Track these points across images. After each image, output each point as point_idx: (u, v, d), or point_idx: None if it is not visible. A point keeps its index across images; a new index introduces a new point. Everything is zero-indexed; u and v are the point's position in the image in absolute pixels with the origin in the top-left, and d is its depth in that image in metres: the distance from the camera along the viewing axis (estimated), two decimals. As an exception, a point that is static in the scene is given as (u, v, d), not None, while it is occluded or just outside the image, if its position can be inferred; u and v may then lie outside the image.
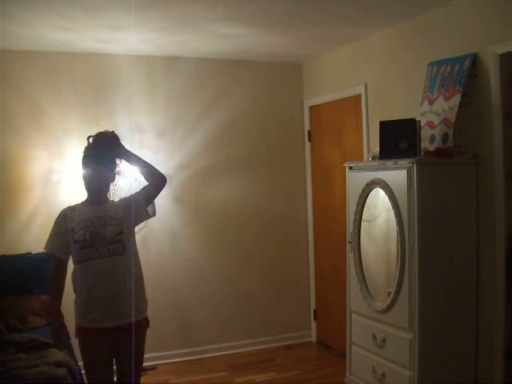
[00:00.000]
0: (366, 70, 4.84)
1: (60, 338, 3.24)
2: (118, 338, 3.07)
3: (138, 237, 5.07)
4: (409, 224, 3.47)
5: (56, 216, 3.20)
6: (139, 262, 3.23)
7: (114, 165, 3.22)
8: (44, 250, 3.23)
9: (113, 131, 3.25)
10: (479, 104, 3.59)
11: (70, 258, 3.19)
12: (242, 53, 5.30)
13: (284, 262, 5.79)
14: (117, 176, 3.33)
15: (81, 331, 3.10)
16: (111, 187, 3.29)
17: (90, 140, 3.18)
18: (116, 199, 3.34)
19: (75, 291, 3.16)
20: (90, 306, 3.06)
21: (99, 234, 3.05)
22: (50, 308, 3.19)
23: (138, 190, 3.32)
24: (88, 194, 3.19)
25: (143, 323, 3.20)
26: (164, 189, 5.21)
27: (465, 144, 3.63)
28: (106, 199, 3.23)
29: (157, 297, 5.17)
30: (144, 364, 5.01)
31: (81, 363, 3.24)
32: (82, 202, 3.23)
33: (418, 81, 4.05)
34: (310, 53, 5.45)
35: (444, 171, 3.57)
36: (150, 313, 5.07)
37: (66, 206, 3.23)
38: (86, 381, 3.10)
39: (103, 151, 3.12)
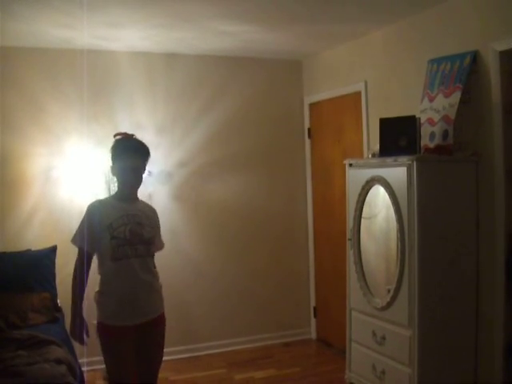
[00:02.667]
0: (366, 68, 4.84)
1: (80, 335, 3.09)
2: (141, 334, 3.06)
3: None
4: (409, 221, 3.47)
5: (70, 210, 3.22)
6: None
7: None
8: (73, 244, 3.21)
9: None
10: (479, 101, 3.59)
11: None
12: (242, 50, 5.29)
13: (284, 259, 5.79)
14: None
15: (107, 329, 3.05)
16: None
17: (119, 138, 3.16)
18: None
19: (100, 287, 3.08)
20: (122, 304, 3.01)
21: (137, 232, 3.05)
22: (73, 304, 3.06)
23: (158, 223, 3.34)
24: (122, 190, 3.15)
25: (163, 318, 3.23)
26: (163, 186, 5.26)
27: (465, 141, 3.63)
28: (137, 197, 3.22)
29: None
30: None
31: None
32: (112, 197, 3.22)
33: (418, 78, 4.04)
34: (310, 50, 5.44)
35: (444, 168, 3.57)
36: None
37: (94, 200, 3.22)
38: (120, 379, 3.04)
39: (143, 150, 3.14)
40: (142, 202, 3.25)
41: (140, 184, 3.16)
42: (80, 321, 3.04)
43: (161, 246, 3.40)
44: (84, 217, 3.11)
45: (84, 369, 4.13)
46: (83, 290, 3.09)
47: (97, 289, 3.08)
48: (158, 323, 3.16)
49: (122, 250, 3.00)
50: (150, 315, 3.08)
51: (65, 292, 4.69)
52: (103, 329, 3.06)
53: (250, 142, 5.61)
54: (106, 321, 3.04)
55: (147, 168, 3.23)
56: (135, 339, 3.04)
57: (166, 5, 3.81)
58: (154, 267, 3.23)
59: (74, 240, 3.15)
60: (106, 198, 3.25)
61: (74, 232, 5.06)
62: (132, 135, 3.19)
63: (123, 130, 4.97)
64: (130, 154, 3.07)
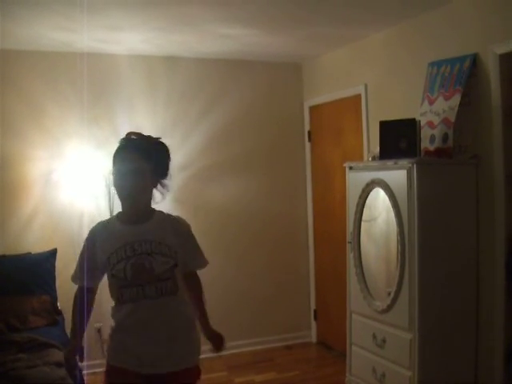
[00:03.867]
0: (366, 70, 4.84)
1: (72, 365, 2.56)
2: None
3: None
4: (409, 224, 3.47)
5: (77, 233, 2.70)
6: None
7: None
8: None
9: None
10: (479, 104, 3.59)
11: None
12: (242, 53, 5.30)
13: (284, 261, 5.79)
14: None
15: (112, 370, 2.47)
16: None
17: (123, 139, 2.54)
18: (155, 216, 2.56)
19: (113, 325, 2.53)
20: (122, 348, 2.44)
21: (143, 268, 2.34)
22: (71, 334, 2.57)
23: (190, 238, 2.61)
24: (123, 206, 2.48)
25: (195, 372, 2.54)
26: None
27: (465, 144, 3.63)
28: (149, 212, 2.53)
29: (157, 297, 5.18)
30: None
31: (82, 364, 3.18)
32: (116, 218, 2.51)
33: (418, 81, 4.04)
34: (310, 53, 5.45)
35: (444, 171, 3.57)
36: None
37: (96, 223, 2.56)
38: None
39: (145, 148, 2.47)
40: (159, 217, 2.53)
41: (143, 193, 2.46)
42: (74, 353, 2.52)
43: (199, 265, 2.64)
44: (83, 247, 2.54)
45: (84, 372, 4.13)
46: (83, 327, 2.60)
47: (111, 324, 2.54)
48: (189, 376, 2.49)
49: (125, 293, 2.39)
50: (160, 368, 2.40)
51: (65, 295, 4.71)
52: (110, 370, 2.49)
53: (249, 145, 5.61)
54: (111, 361, 2.48)
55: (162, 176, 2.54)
56: None
57: (167, 8, 3.82)
58: (186, 303, 2.55)
59: (74, 278, 2.62)
60: (110, 220, 2.55)
61: (73, 236, 5.07)
62: (139, 133, 2.54)
63: (123, 133, 4.98)
64: (123, 155, 2.42)
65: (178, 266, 2.44)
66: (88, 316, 2.59)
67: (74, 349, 2.52)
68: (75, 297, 2.62)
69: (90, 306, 2.62)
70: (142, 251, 2.37)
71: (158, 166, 2.46)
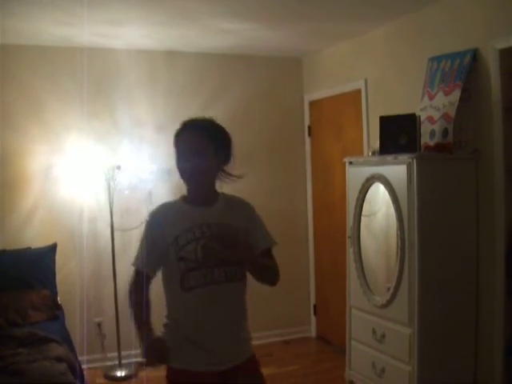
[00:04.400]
0: (366, 65, 4.84)
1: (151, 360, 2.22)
2: (231, 381, 2.31)
3: (137, 232, 5.13)
4: (409, 219, 3.47)
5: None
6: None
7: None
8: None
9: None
10: (479, 99, 3.59)
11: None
12: (243, 47, 5.29)
13: (284, 256, 5.71)
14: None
15: (178, 374, 2.30)
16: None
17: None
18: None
19: (166, 319, 2.44)
20: (192, 346, 2.28)
21: (214, 250, 2.20)
22: (137, 330, 2.35)
23: (256, 220, 2.50)
24: (188, 188, 2.40)
25: (257, 360, 2.43)
26: (163, 184, 5.26)
27: (465, 139, 3.63)
28: (216, 195, 2.44)
29: (156, 292, 5.18)
30: (142, 358, 5.07)
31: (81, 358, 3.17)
32: (182, 200, 2.41)
33: (418, 76, 4.04)
34: (311, 48, 5.44)
35: (444, 166, 3.57)
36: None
37: (159, 204, 2.42)
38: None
39: (207, 129, 2.44)
40: (225, 199, 2.44)
41: (206, 175, 2.34)
42: (149, 345, 2.23)
43: (268, 243, 2.46)
44: (144, 230, 2.37)
45: (84, 366, 4.14)
46: (147, 315, 2.43)
47: (164, 320, 2.44)
48: (247, 369, 2.35)
49: (193, 277, 2.24)
50: (233, 361, 2.30)
51: (65, 290, 4.73)
52: (172, 372, 2.33)
53: (249, 140, 5.60)
54: (174, 363, 2.28)
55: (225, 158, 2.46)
56: None
57: (167, 2, 3.81)
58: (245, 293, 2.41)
59: (135, 262, 2.41)
60: (174, 201, 2.43)
61: (73, 231, 5.07)
62: (202, 117, 2.53)
63: (122, 127, 4.96)
64: (186, 135, 2.39)
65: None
66: (150, 306, 2.43)
67: (153, 341, 2.25)
68: (133, 284, 2.45)
69: (146, 298, 2.43)
70: (212, 234, 2.25)
71: (220, 149, 2.40)
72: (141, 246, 2.37)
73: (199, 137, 2.34)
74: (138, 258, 2.38)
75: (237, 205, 2.46)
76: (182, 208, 2.36)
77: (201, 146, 2.31)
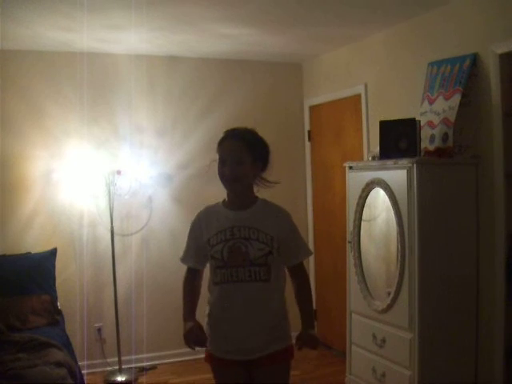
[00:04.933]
0: (366, 70, 4.84)
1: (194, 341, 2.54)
2: (254, 373, 2.55)
3: (137, 237, 5.14)
4: (409, 224, 3.47)
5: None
6: (284, 287, 2.63)
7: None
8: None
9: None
10: (479, 104, 3.59)
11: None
12: (242, 53, 5.30)
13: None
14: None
15: (210, 358, 2.62)
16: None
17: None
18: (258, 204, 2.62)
19: (207, 310, 2.63)
20: (219, 336, 2.55)
21: (240, 251, 2.45)
22: (183, 320, 2.58)
23: (292, 231, 2.64)
24: (227, 193, 2.64)
25: (283, 354, 2.59)
26: (163, 189, 5.26)
27: (465, 144, 3.63)
28: (254, 200, 2.62)
29: (157, 297, 5.18)
30: (144, 364, 5.07)
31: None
32: (222, 203, 2.65)
33: (418, 81, 4.05)
34: (310, 52, 5.45)
35: (444, 171, 3.57)
36: (150, 314, 5.12)
37: (204, 208, 2.71)
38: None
39: (246, 137, 2.64)
40: (263, 206, 2.60)
41: (243, 181, 2.54)
42: (196, 329, 2.52)
43: (300, 256, 2.65)
44: (189, 230, 2.71)
45: (84, 371, 4.13)
46: (193, 306, 2.63)
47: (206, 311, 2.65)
48: (269, 363, 2.53)
49: (220, 273, 2.49)
50: (255, 354, 2.51)
51: (65, 295, 4.72)
52: (209, 358, 2.63)
53: (250, 145, 5.61)
54: (211, 350, 2.60)
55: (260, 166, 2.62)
56: (247, 376, 2.55)
57: (167, 7, 3.81)
58: (279, 294, 2.60)
59: (183, 259, 2.70)
60: (215, 204, 2.68)
61: (74, 235, 5.09)
62: (244, 127, 2.73)
63: (122, 132, 4.98)
64: (228, 143, 2.61)
65: (272, 254, 2.49)
66: (197, 297, 2.66)
67: (196, 325, 2.53)
68: (184, 279, 2.70)
69: (199, 286, 2.69)
70: (241, 236, 2.47)
71: (258, 158, 2.59)
72: (187, 244, 2.69)
73: (239, 145, 2.56)
74: (184, 254, 2.69)
75: (273, 212, 2.61)
76: (219, 211, 2.60)
77: (240, 154, 2.53)
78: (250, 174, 2.56)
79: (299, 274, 2.66)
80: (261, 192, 2.70)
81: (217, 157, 2.63)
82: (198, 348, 2.53)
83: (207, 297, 2.62)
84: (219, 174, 2.59)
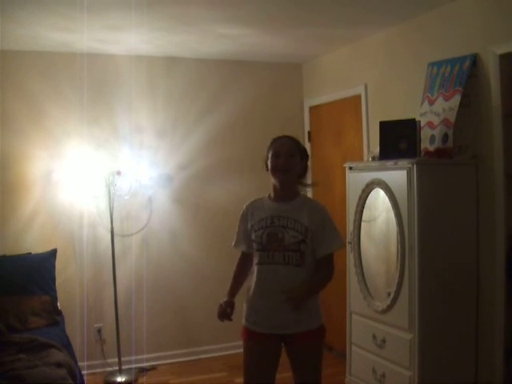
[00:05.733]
0: (366, 71, 4.84)
1: (224, 314, 3.08)
2: (287, 348, 2.96)
3: (137, 237, 5.14)
4: (409, 224, 3.47)
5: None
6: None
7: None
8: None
9: None
10: (479, 104, 3.59)
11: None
12: (242, 53, 5.30)
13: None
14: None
15: (244, 332, 3.01)
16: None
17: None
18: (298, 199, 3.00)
19: (248, 288, 3.01)
20: (254, 310, 2.95)
21: (277, 237, 2.85)
22: (227, 294, 3.12)
23: (325, 223, 2.96)
24: (274, 186, 3.00)
25: (315, 333, 3.00)
26: (163, 189, 5.27)
27: (465, 144, 3.63)
28: (296, 194, 3.00)
29: (157, 297, 5.19)
30: (144, 364, 5.07)
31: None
32: (268, 196, 3.05)
33: (418, 81, 4.05)
34: (310, 53, 5.45)
35: (444, 171, 3.57)
36: (150, 314, 5.12)
37: (252, 200, 3.10)
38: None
39: (295, 142, 3.03)
40: (302, 200, 3.00)
41: (292, 173, 2.93)
42: (225, 304, 3.07)
43: (328, 248, 2.94)
44: (239, 218, 3.10)
45: (84, 372, 4.14)
46: (237, 285, 3.15)
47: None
48: (297, 341, 2.91)
49: (259, 255, 2.89)
50: (284, 330, 2.89)
51: (65, 295, 4.72)
52: (244, 332, 3.02)
53: (249, 145, 5.61)
54: (246, 325, 2.99)
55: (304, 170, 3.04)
56: (277, 350, 2.97)
57: (167, 8, 3.82)
58: (311, 277, 2.95)
59: (235, 244, 3.13)
60: (262, 197, 3.07)
61: (74, 235, 5.11)
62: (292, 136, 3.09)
63: (122, 132, 5.00)
64: (283, 140, 3.00)
65: (305, 242, 2.85)
66: (243, 278, 3.15)
67: (227, 301, 3.07)
68: (237, 261, 3.18)
69: (247, 269, 3.11)
70: (279, 224, 2.87)
71: (302, 160, 3.01)
72: (237, 231, 3.10)
73: (291, 143, 3.00)
74: (235, 240, 3.11)
75: (311, 206, 2.99)
76: (264, 202, 3.01)
77: (292, 148, 2.95)
78: (297, 168, 2.96)
79: (324, 266, 2.98)
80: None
81: (269, 154, 2.99)
82: (226, 321, 3.05)
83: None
84: (273, 165, 2.92)
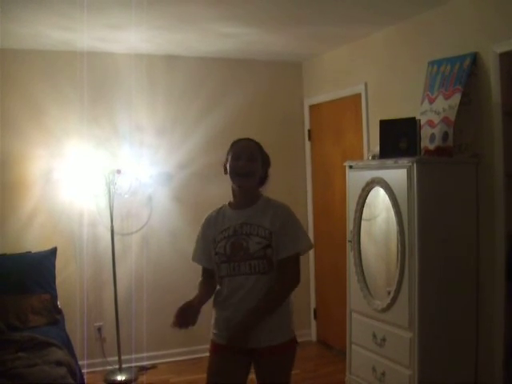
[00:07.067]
0: (366, 69, 4.84)
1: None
2: (254, 363, 2.72)
3: (137, 236, 5.14)
4: (409, 223, 3.47)
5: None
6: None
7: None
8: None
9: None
10: (479, 103, 3.59)
11: None
12: (242, 52, 5.30)
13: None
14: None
15: (211, 346, 2.76)
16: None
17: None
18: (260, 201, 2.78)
19: (213, 301, 2.80)
20: (221, 323, 2.70)
21: (241, 246, 2.63)
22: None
23: (287, 224, 2.71)
24: (234, 193, 2.80)
25: (285, 347, 2.77)
26: (163, 188, 5.26)
27: (465, 143, 3.63)
28: (257, 198, 2.78)
29: (157, 296, 5.18)
30: (144, 363, 5.07)
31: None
32: (228, 204, 2.83)
33: (418, 80, 4.04)
34: (311, 52, 5.44)
35: (444, 170, 3.57)
36: (150, 313, 5.12)
37: (212, 211, 2.87)
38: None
39: (255, 146, 2.81)
40: (265, 203, 2.76)
41: (252, 176, 2.72)
42: (188, 305, 2.65)
43: (291, 251, 2.69)
44: (199, 232, 2.86)
45: (84, 371, 4.14)
46: (203, 298, 2.74)
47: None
48: (264, 356, 2.68)
49: (223, 268, 2.66)
50: (252, 344, 2.61)
51: (65, 294, 4.72)
52: (212, 346, 2.77)
53: (250, 144, 5.61)
54: (214, 339, 2.76)
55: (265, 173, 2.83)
56: (244, 364, 2.71)
57: (167, 7, 3.81)
58: (277, 287, 2.69)
59: (193, 258, 2.87)
60: (222, 206, 2.86)
61: (74, 234, 5.10)
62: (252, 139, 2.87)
63: (122, 131, 5.00)
64: (243, 142, 2.79)
65: (271, 247, 2.63)
66: (207, 294, 2.79)
67: (190, 302, 2.66)
68: (200, 281, 2.88)
69: (209, 285, 2.81)
70: (242, 232, 2.66)
71: (263, 165, 2.83)
72: (196, 245, 2.86)
73: (252, 145, 2.80)
74: (193, 254, 2.87)
75: (272, 208, 2.74)
76: (225, 212, 2.80)
77: (253, 151, 2.77)
78: (259, 172, 2.76)
79: (282, 271, 2.69)
80: (263, 189, 2.82)
81: (228, 157, 2.77)
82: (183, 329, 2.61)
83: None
84: (232, 169, 2.71)
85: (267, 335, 2.65)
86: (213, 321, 2.78)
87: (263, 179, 2.84)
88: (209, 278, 2.81)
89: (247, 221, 2.68)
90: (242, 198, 2.76)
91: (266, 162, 2.85)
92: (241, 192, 2.75)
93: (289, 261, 2.69)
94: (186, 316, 2.60)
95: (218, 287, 2.78)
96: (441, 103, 3.73)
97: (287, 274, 2.71)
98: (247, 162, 2.71)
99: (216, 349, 2.73)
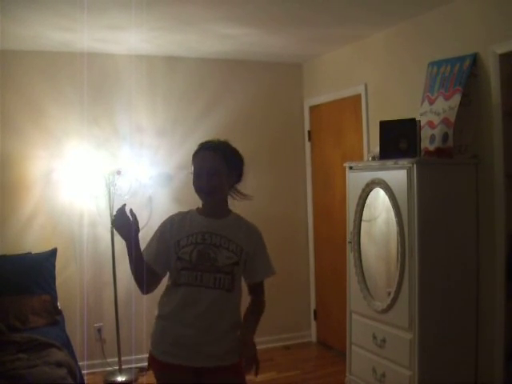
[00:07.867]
0: (366, 70, 4.84)
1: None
2: (205, 381, 2.50)
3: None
4: (409, 224, 3.47)
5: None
6: (240, 301, 2.65)
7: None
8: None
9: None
10: (479, 104, 3.59)
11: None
12: (243, 53, 5.30)
13: (284, 261, 5.76)
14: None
15: (154, 362, 2.54)
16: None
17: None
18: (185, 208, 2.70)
19: (159, 311, 2.59)
20: (168, 337, 2.48)
21: (209, 256, 2.45)
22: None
23: (261, 247, 2.67)
24: (203, 201, 2.61)
25: (235, 367, 2.51)
26: (163, 189, 5.26)
27: (465, 144, 3.63)
28: (228, 212, 2.64)
29: (157, 297, 5.17)
30: (144, 364, 5.06)
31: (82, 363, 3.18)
32: (197, 210, 2.64)
33: (418, 81, 4.05)
34: (311, 53, 5.44)
35: (444, 171, 3.57)
36: (150, 314, 5.09)
37: (177, 212, 2.69)
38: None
39: (222, 150, 2.61)
40: (236, 219, 2.63)
41: (219, 192, 2.54)
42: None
43: (264, 274, 2.68)
44: (156, 230, 2.63)
45: (84, 372, 4.13)
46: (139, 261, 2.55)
47: (156, 312, 2.60)
48: (218, 376, 2.49)
49: (184, 275, 2.46)
50: (204, 362, 2.46)
51: (65, 295, 4.72)
52: (153, 363, 2.54)
53: (250, 145, 5.56)
54: (153, 351, 2.53)
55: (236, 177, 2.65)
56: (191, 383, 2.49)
57: (167, 7, 3.82)
58: (237, 307, 2.60)
59: (145, 256, 2.58)
60: (189, 210, 2.68)
61: (73, 236, 5.08)
62: (217, 139, 2.69)
63: (122, 132, 4.98)
64: (203, 154, 2.56)
65: (239, 265, 2.52)
66: (142, 263, 2.56)
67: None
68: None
69: (150, 272, 2.55)
70: (212, 242, 2.48)
71: (233, 169, 2.60)
72: (150, 242, 2.60)
73: (214, 156, 2.54)
74: (146, 249, 2.59)
75: (245, 226, 2.63)
76: (193, 216, 2.59)
77: (215, 164, 2.52)
78: (225, 185, 2.58)
79: (259, 292, 2.71)
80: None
81: (191, 169, 2.59)
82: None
83: (157, 300, 2.60)
84: (194, 185, 2.57)
85: (228, 353, 2.49)
86: (157, 334, 2.52)
87: (236, 181, 2.66)
88: (155, 284, 2.60)
89: (217, 232, 2.51)
90: (211, 208, 2.59)
91: (234, 167, 2.63)
92: (208, 205, 2.59)
93: (261, 284, 2.70)
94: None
95: (164, 298, 2.58)
96: (441, 104, 3.73)
97: (261, 295, 2.72)
98: (209, 178, 2.50)
99: (163, 368, 2.48)
